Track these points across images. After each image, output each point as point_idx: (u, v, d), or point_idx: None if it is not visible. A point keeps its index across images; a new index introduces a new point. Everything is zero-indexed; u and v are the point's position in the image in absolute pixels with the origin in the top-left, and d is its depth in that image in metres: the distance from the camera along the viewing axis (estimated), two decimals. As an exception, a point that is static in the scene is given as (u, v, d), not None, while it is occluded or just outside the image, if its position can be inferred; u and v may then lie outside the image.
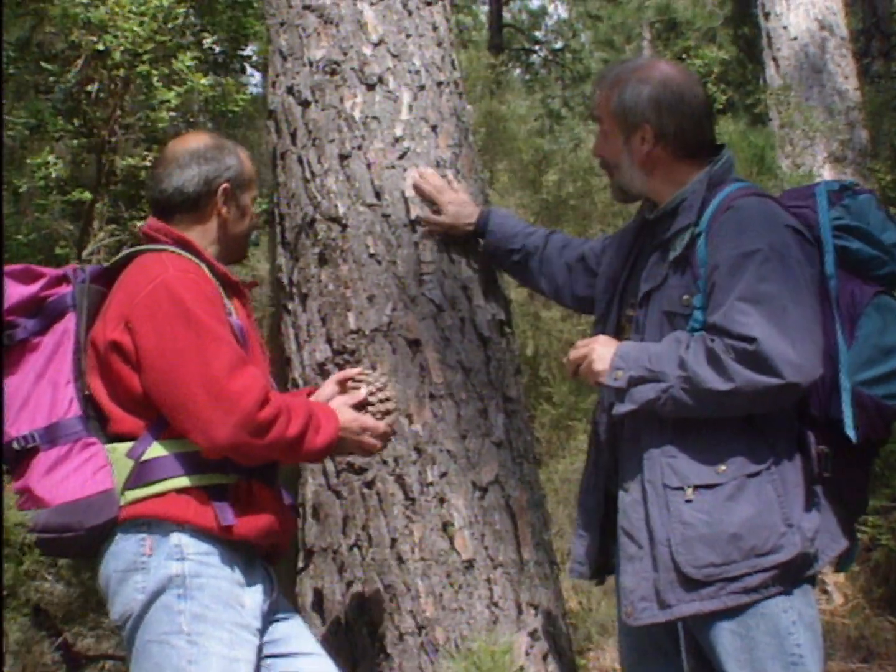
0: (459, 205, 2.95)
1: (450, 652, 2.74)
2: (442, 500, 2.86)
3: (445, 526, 2.85)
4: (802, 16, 8.18)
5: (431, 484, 2.87)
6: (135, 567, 2.12)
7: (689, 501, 2.10)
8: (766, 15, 8.38)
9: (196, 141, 2.36)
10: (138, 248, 2.27)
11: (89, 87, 3.61)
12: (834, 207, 2.20)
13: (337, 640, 2.90)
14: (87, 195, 3.72)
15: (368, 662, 2.85)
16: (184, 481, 2.13)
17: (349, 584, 2.90)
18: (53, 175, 3.63)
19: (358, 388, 2.39)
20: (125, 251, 2.31)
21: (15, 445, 2.12)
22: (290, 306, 3.23)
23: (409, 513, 2.86)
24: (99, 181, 3.73)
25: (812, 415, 2.16)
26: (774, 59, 8.21)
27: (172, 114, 3.59)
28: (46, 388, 2.17)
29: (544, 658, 2.85)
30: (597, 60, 16.59)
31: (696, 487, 2.11)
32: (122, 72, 3.40)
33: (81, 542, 2.12)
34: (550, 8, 19.24)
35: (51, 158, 3.59)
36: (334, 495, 2.97)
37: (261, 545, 2.26)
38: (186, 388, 2.07)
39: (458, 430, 2.92)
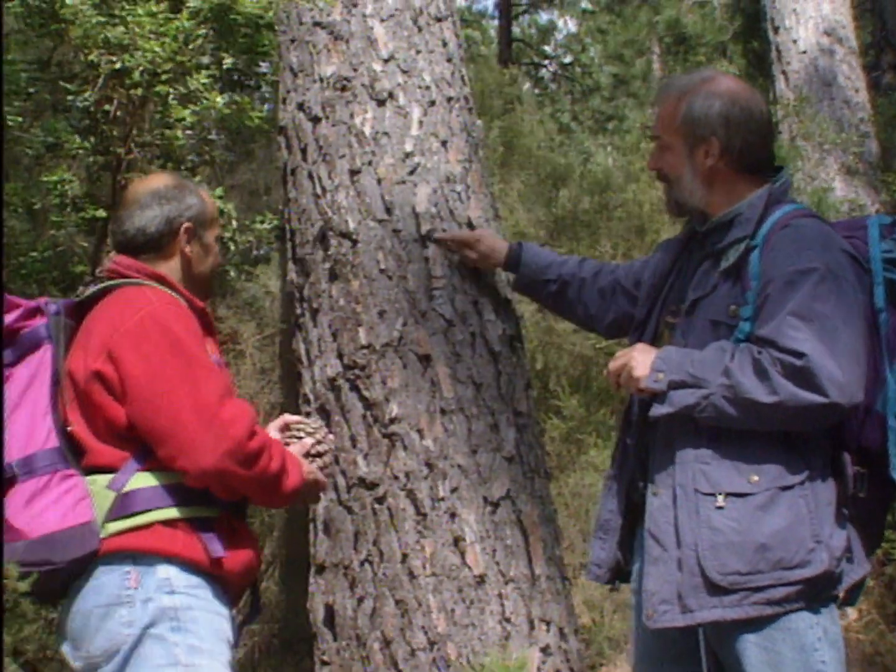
0: (491, 241, 2.96)
1: (462, 667, 2.73)
2: (453, 516, 2.86)
3: (457, 541, 2.84)
4: (812, 29, 8.18)
5: (442, 499, 2.87)
6: (119, 601, 2.05)
7: (719, 508, 2.10)
8: (776, 29, 8.39)
9: (157, 182, 2.36)
10: (112, 282, 2.24)
11: (107, 107, 3.63)
12: (885, 240, 2.21)
13: (349, 656, 2.90)
14: (102, 213, 3.74)
15: (380, 678, 2.84)
16: (169, 513, 2.09)
17: (360, 599, 2.90)
18: (69, 193, 3.65)
19: (300, 436, 2.34)
20: (97, 286, 2.27)
21: None
22: (301, 321, 3.24)
23: (421, 528, 2.86)
24: (114, 199, 3.75)
25: (844, 440, 2.16)
26: (784, 72, 8.22)
27: (188, 132, 3.61)
28: (22, 419, 2.13)
29: (556, 674, 2.84)
30: (606, 75, 16.61)
31: (728, 495, 2.10)
32: (139, 91, 3.42)
33: (58, 577, 2.06)
34: (559, 23, 19.30)
35: (67, 176, 3.61)
36: (345, 511, 2.98)
37: (237, 582, 2.21)
38: (176, 414, 2.04)
39: (469, 445, 2.92)
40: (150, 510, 2.08)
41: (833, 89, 7.97)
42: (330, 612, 2.99)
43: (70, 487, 2.08)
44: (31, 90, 3.66)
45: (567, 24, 19.63)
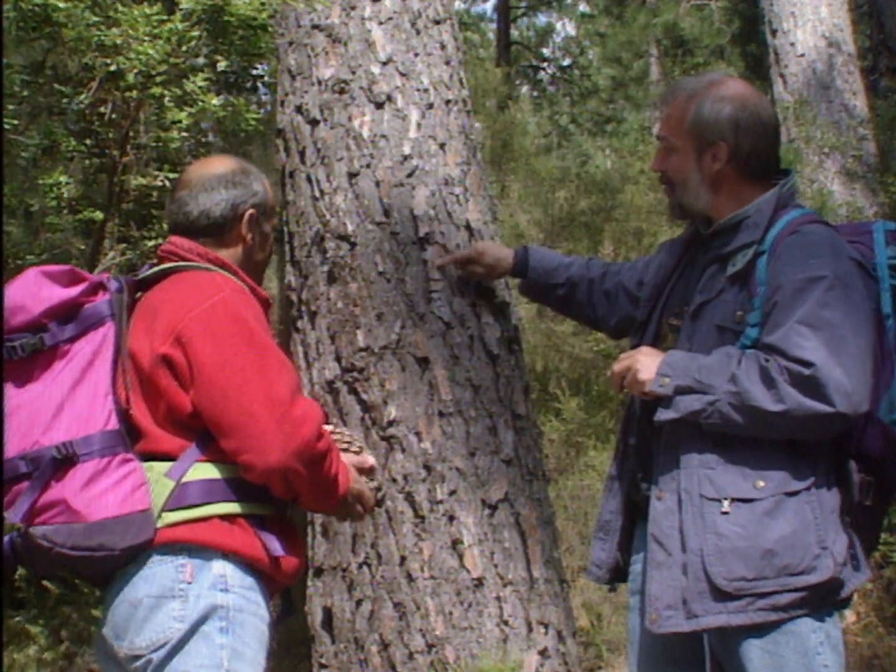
0: (494, 250, 2.94)
1: (460, 670, 2.73)
2: (451, 518, 2.86)
3: (455, 544, 2.84)
4: (810, 33, 8.20)
5: (441, 502, 2.87)
6: (171, 594, 1.99)
7: (725, 514, 2.10)
8: (774, 32, 8.40)
9: (223, 165, 2.29)
10: (176, 264, 2.18)
11: (102, 109, 3.63)
12: (890, 246, 2.20)
13: (347, 659, 2.90)
14: (99, 215, 3.74)
15: (378, 681, 2.84)
16: (228, 507, 2.03)
17: (359, 602, 2.90)
18: (65, 195, 3.65)
19: (349, 448, 2.31)
20: (160, 266, 2.21)
21: (55, 453, 1.98)
22: (299, 324, 3.24)
23: (419, 531, 2.85)
24: (110, 200, 3.75)
25: (847, 450, 2.16)
26: (782, 75, 8.23)
27: (184, 134, 3.61)
28: (83, 397, 2.05)
29: (555, 677, 2.84)
30: (604, 77, 16.64)
31: (734, 500, 2.10)
32: (134, 93, 3.41)
33: (111, 563, 2.00)
34: (558, 25, 19.33)
35: (63, 178, 3.61)
36: (344, 513, 2.97)
37: (285, 584, 2.18)
38: (248, 406, 1.98)
39: (468, 448, 2.92)
40: (209, 503, 2.03)
41: (831, 92, 7.98)
42: (328, 614, 2.98)
43: (129, 472, 2.01)
44: (26, 93, 3.65)
45: (565, 27, 19.65)
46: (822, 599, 2.10)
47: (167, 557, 2.01)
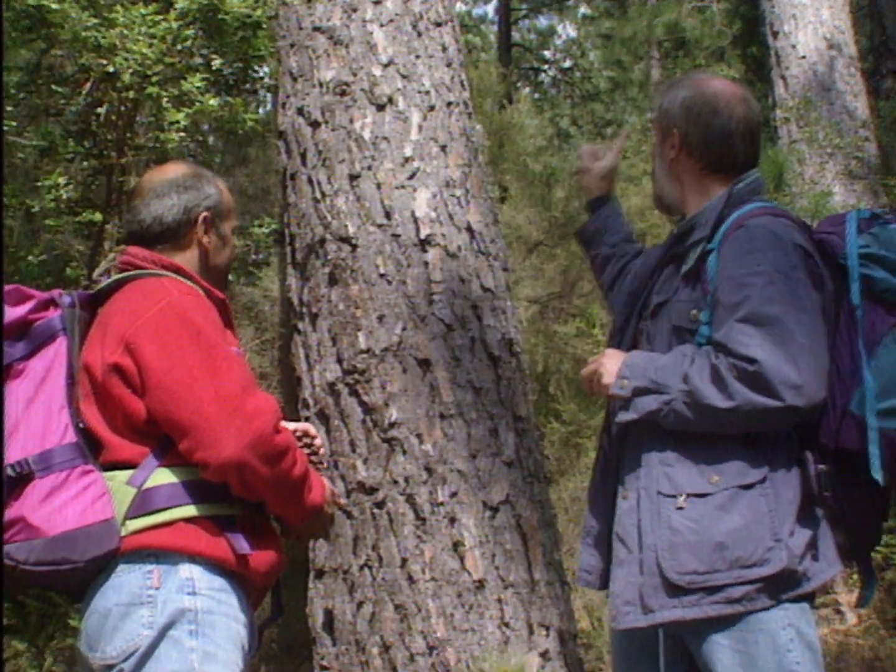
0: (596, 174, 2.68)
1: (461, 673, 2.73)
2: (452, 520, 2.86)
3: (456, 546, 2.84)
4: (811, 34, 8.20)
5: (442, 504, 2.86)
6: (140, 601, 1.99)
7: (679, 509, 2.12)
8: (775, 34, 8.40)
9: (174, 171, 2.30)
10: (129, 274, 2.19)
11: (99, 110, 3.62)
12: (862, 235, 2.20)
13: (348, 661, 2.89)
14: (98, 216, 3.74)
15: (379, 683, 2.84)
16: (191, 510, 2.02)
17: (360, 604, 2.89)
18: (64, 196, 3.64)
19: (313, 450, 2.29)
20: (113, 277, 2.22)
21: (10, 472, 1.99)
22: (300, 326, 3.24)
23: (420, 533, 2.85)
24: (109, 202, 3.75)
25: (821, 443, 2.16)
26: (783, 77, 8.23)
27: (182, 134, 3.60)
28: (38, 413, 2.06)
29: (556, 679, 2.84)
30: (605, 79, 16.65)
31: (689, 496, 2.12)
32: (131, 94, 3.41)
33: (78, 575, 2.00)
34: (559, 27, 19.34)
35: (61, 180, 3.60)
36: (345, 515, 2.97)
37: (262, 585, 2.17)
38: (197, 404, 1.99)
39: (469, 450, 2.92)
40: (172, 507, 2.02)
41: (832, 94, 7.98)
42: (329, 616, 2.98)
43: (89, 483, 2.01)
44: (22, 95, 3.65)
45: (566, 29, 19.66)
46: (779, 591, 2.10)
47: (134, 565, 2.01)
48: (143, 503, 2.02)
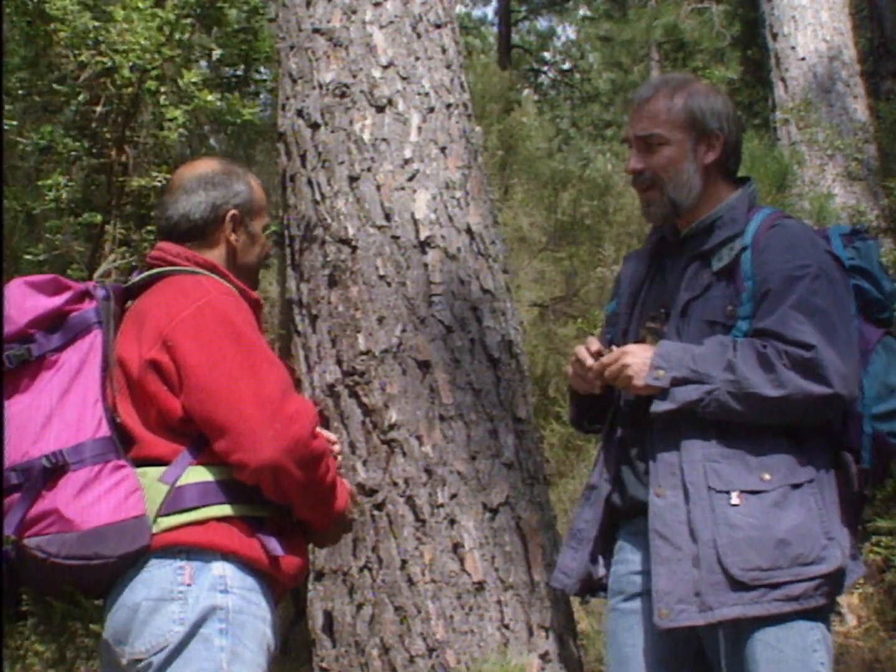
0: None
1: (460, 675, 2.73)
2: (452, 522, 2.86)
3: (456, 547, 2.84)
4: (810, 36, 8.20)
5: (442, 505, 2.87)
6: (171, 596, 1.97)
7: (734, 505, 2.11)
8: (775, 35, 8.40)
9: (205, 166, 2.27)
10: (163, 269, 2.17)
11: (98, 108, 3.62)
12: (847, 248, 2.24)
13: (347, 663, 2.89)
14: (98, 217, 3.74)
15: (379, 685, 2.83)
16: (224, 510, 2.01)
17: (359, 606, 2.89)
18: (64, 196, 3.65)
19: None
20: (148, 272, 2.20)
21: (45, 463, 1.96)
22: (300, 328, 3.24)
23: (420, 534, 2.85)
24: (109, 202, 3.76)
25: (846, 444, 2.19)
26: (783, 79, 8.23)
27: (181, 131, 3.60)
28: (72, 406, 2.04)
29: (555, 681, 2.84)
30: (605, 81, 16.66)
31: (742, 492, 2.11)
32: (130, 90, 3.41)
33: (108, 571, 1.98)
34: (559, 29, 19.34)
35: (61, 180, 3.60)
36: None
37: (288, 585, 2.15)
38: (237, 405, 1.96)
39: (469, 452, 2.92)
40: (204, 506, 2.01)
41: (832, 96, 7.98)
42: (329, 618, 2.98)
43: (122, 479, 1.99)
44: (22, 91, 3.65)
45: (566, 31, 19.68)
46: (832, 590, 2.11)
47: (165, 560, 2.00)
48: (176, 500, 2.00)
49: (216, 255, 2.22)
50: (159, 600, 1.98)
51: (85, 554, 1.95)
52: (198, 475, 2.03)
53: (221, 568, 2.01)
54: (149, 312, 2.10)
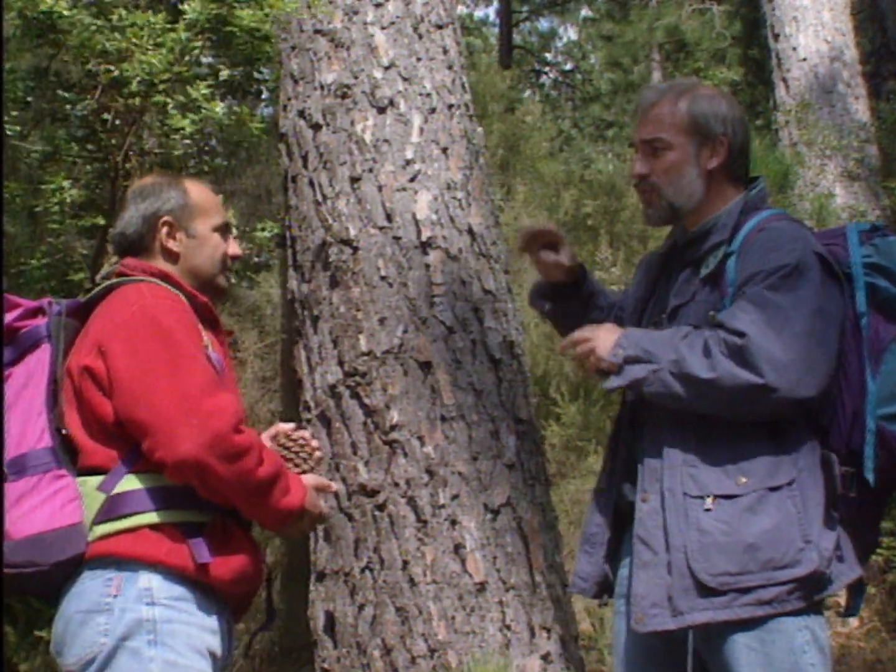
0: (570, 253, 2.63)
1: (462, 675, 2.73)
2: (454, 523, 2.86)
3: (457, 548, 2.84)
4: (812, 37, 8.20)
5: (443, 506, 2.87)
6: (98, 608, 1.99)
7: (707, 510, 2.12)
8: (776, 36, 8.40)
9: (140, 182, 2.34)
10: (114, 281, 2.21)
11: (105, 115, 3.63)
12: (864, 246, 2.24)
13: (349, 664, 2.90)
14: (101, 220, 3.74)
15: (380, 686, 2.84)
16: (156, 516, 2.02)
17: (361, 606, 2.89)
18: (68, 199, 3.65)
19: (299, 465, 2.27)
20: (101, 285, 2.24)
21: None
22: (301, 328, 3.24)
23: (421, 535, 2.85)
24: (113, 206, 3.76)
25: (832, 446, 2.18)
26: (784, 80, 8.23)
27: (186, 141, 3.60)
28: (16, 418, 2.08)
29: (557, 681, 2.84)
30: (606, 81, 16.66)
31: (717, 497, 2.12)
32: (137, 101, 3.41)
33: (44, 579, 2.00)
34: (560, 30, 19.34)
35: (65, 184, 3.60)
36: (346, 518, 2.97)
37: (232, 592, 2.13)
38: (156, 403, 1.98)
39: (470, 452, 2.92)
40: (138, 513, 2.02)
41: (833, 97, 7.98)
42: (330, 619, 2.98)
43: (61, 488, 2.02)
44: (29, 99, 3.66)
45: (567, 32, 19.68)
46: (810, 594, 2.10)
47: (97, 572, 2.01)
48: (111, 508, 2.02)
49: (162, 263, 2.26)
50: (88, 612, 2.01)
51: (17, 562, 1.97)
52: (134, 482, 2.04)
53: (147, 580, 2.02)
54: (92, 323, 2.15)
